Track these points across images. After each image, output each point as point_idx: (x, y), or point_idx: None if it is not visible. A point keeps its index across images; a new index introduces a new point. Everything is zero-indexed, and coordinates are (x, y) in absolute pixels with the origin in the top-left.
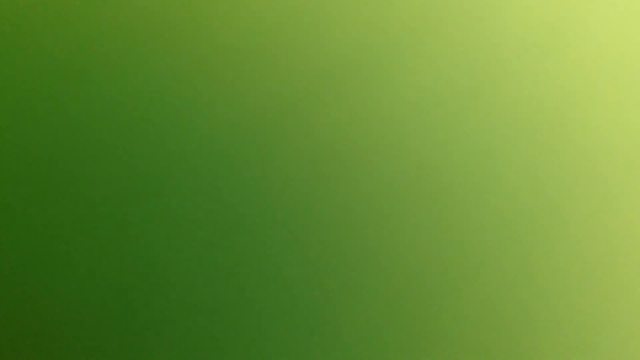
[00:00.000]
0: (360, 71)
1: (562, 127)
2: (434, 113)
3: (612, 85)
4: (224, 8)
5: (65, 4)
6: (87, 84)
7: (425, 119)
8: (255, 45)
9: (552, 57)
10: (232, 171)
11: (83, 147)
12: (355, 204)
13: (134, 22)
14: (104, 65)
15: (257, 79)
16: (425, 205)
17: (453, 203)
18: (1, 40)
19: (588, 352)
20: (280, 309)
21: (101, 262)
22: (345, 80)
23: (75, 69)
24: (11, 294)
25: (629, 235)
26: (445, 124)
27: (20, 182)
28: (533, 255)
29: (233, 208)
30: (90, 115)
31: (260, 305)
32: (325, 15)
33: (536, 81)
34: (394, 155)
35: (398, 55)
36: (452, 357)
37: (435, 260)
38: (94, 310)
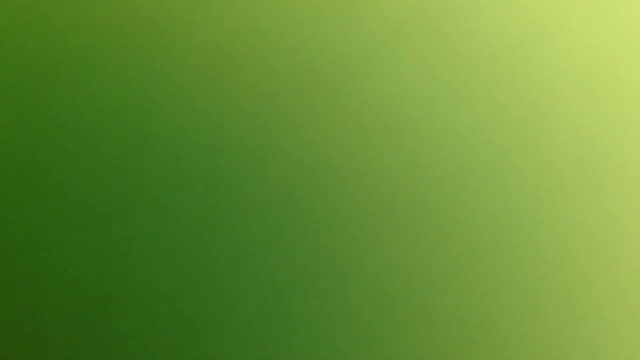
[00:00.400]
0: (351, 71)
1: (554, 127)
2: (425, 112)
3: (604, 84)
4: (215, 8)
5: (58, 3)
6: (78, 83)
7: (415, 119)
8: (245, 45)
9: (543, 58)
10: (222, 171)
11: (74, 147)
12: (346, 204)
13: (125, 22)
14: (95, 64)
15: (247, 79)
16: (417, 206)
17: (445, 203)
18: None
19: (585, 353)
20: (271, 311)
21: (91, 263)
22: (337, 81)
23: (65, 68)
24: (8, 294)
25: (622, 234)
26: (436, 123)
27: (19, 184)
28: (526, 256)
29: (223, 208)
30: (80, 115)
31: (250, 307)
32: (317, 16)
33: (528, 82)
34: (384, 155)
35: (388, 56)
36: (447, 358)
37: (428, 261)
38: (83, 311)
